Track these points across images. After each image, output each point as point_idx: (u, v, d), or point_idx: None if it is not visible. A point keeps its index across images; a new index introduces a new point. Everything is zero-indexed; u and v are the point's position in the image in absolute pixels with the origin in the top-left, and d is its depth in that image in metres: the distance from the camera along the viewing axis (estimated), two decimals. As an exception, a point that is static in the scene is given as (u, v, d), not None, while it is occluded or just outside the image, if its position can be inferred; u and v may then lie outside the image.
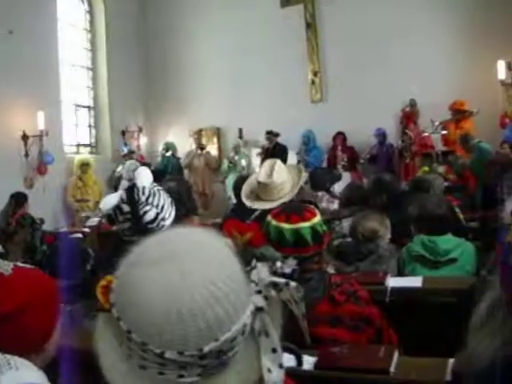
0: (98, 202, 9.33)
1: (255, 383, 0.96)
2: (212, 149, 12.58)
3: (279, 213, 2.54)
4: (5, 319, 1.39)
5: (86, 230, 7.54)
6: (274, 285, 1.00)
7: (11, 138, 9.47)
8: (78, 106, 11.98)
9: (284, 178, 3.87)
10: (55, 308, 1.56)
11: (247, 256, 1.00)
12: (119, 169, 10.54)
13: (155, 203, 2.55)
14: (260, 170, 4.04)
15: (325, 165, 10.75)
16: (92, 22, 12.46)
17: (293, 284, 1.01)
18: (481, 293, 0.95)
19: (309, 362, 2.06)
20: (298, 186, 3.92)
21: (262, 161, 10.41)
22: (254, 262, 1.01)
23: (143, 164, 10.39)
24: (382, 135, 10.71)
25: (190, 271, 0.90)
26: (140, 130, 12.65)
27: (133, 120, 12.47)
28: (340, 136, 10.94)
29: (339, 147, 10.82)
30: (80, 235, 6.58)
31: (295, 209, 2.54)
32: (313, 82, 11.94)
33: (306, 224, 2.42)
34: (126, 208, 2.53)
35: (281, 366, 0.97)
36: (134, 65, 12.95)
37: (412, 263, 3.64)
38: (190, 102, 12.81)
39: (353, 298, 2.40)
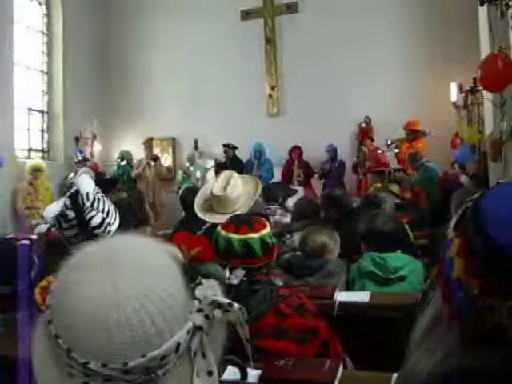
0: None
1: None
2: (167, 159, 12.52)
3: (228, 223, 2.53)
4: None
5: (34, 237, 7.35)
6: (218, 305, 0.96)
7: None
8: (32, 110, 11.74)
9: (239, 191, 3.86)
10: None
11: (192, 272, 0.97)
12: (71, 175, 10.35)
13: (100, 208, 2.52)
14: (215, 181, 4.01)
15: (279, 178, 10.78)
16: (49, 26, 12.27)
17: (236, 306, 0.97)
18: (421, 308, 0.96)
19: (253, 375, 2.04)
20: (253, 199, 3.92)
21: (216, 173, 10.44)
22: (199, 278, 0.97)
23: (97, 173, 10.27)
24: (333, 151, 10.86)
25: (124, 281, 0.87)
26: (94, 137, 12.47)
27: (87, 127, 12.29)
28: (296, 150, 11.01)
29: (295, 162, 10.88)
30: (27, 242, 6.41)
31: (244, 220, 2.55)
32: (270, 96, 12.03)
33: (255, 235, 2.43)
34: (71, 214, 2.47)
35: None
36: (90, 71, 12.79)
37: (362, 280, 3.65)
38: (146, 111, 12.74)
39: (300, 310, 2.39)
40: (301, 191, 9.62)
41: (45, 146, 12.12)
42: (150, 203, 10.84)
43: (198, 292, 0.95)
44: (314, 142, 10.84)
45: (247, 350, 1.04)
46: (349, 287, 3.66)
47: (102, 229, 2.48)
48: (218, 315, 0.95)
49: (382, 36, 11.15)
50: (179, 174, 11.56)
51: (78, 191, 2.54)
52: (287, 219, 5.92)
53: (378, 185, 8.42)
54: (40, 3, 12.16)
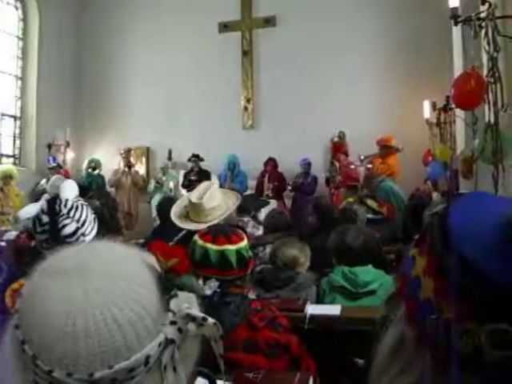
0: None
1: None
2: (140, 168, 12.46)
3: (206, 233, 2.51)
4: None
5: (3, 244, 7.23)
6: (193, 318, 0.92)
7: None
8: (4, 115, 11.60)
9: (216, 202, 3.85)
10: None
11: (168, 283, 0.95)
12: (43, 182, 10.22)
13: (76, 217, 2.47)
14: (195, 190, 4.02)
15: (252, 191, 10.79)
16: (25, 31, 12.18)
17: (211, 320, 0.94)
18: (382, 330, 0.92)
19: (223, 387, 2.03)
20: (229, 211, 3.92)
21: (183, 184, 10.46)
22: (174, 290, 0.94)
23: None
24: (307, 165, 10.93)
25: (94, 288, 0.84)
26: (67, 144, 12.35)
27: (60, 134, 12.17)
28: (271, 162, 11.04)
29: (267, 175, 10.90)
30: (-6, 249, 6.30)
31: (223, 231, 2.52)
32: (245, 109, 12.05)
33: (232, 247, 2.41)
34: (45, 219, 2.43)
35: None
36: (65, 78, 12.73)
37: (332, 293, 3.65)
38: (120, 120, 12.68)
39: (272, 324, 2.38)
40: (273, 204, 9.65)
41: (16, 151, 12.00)
42: (126, 212, 10.80)
43: (172, 304, 0.92)
44: (289, 156, 10.90)
45: (220, 365, 1.01)
46: (319, 301, 3.66)
47: (75, 238, 2.43)
48: (191, 329, 0.92)
49: (358, 54, 11.29)
50: (151, 184, 11.50)
51: (57, 196, 2.51)
52: (259, 232, 5.91)
53: (351, 199, 8.46)
54: (16, 7, 12.07)
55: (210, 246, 2.41)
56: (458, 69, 8.32)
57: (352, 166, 9.88)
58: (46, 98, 12.09)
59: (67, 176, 10.65)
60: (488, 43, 3.52)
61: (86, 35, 13.19)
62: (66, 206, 2.49)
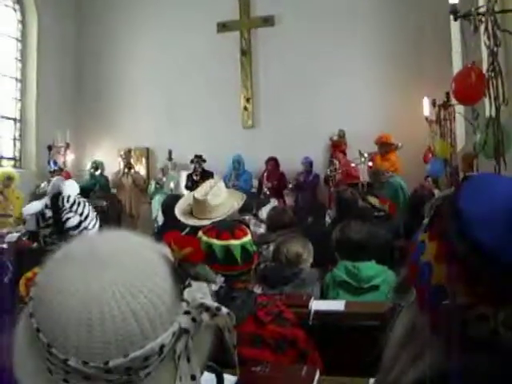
0: (19, 218, 8.99)
1: None
2: (140, 169, 12.45)
3: (210, 229, 2.51)
4: None
5: (4, 246, 7.23)
6: (206, 308, 0.93)
7: None
8: (3, 117, 11.61)
9: (220, 200, 3.86)
10: None
11: (182, 273, 0.95)
12: (43, 185, 10.21)
13: (79, 211, 2.55)
14: (199, 187, 4.04)
15: (254, 190, 10.80)
16: (24, 33, 12.18)
17: (224, 310, 0.94)
18: (394, 320, 0.90)
19: (230, 381, 2.03)
20: (233, 210, 3.93)
21: (186, 185, 10.44)
22: (189, 279, 0.95)
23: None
24: (308, 164, 10.94)
25: (110, 277, 0.84)
26: (67, 146, 12.35)
27: (60, 135, 12.17)
28: (272, 161, 11.04)
29: (266, 174, 10.90)
30: (-3, 249, 6.31)
31: (227, 226, 2.52)
32: (245, 108, 12.05)
33: (237, 242, 2.41)
34: (48, 213, 2.52)
35: None
36: (64, 79, 12.73)
37: (336, 289, 3.66)
38: (120, 121, 12.69)
39: (278, 318, 2.38)
40: (273, 202, 9.64)
41: (17, 154, 12.00)
42: (128, 213, 10.80)
43: (186, 294, 0.93)
44: (290, 154, 10.90)
45: (234, 356, 1.02)
46: (323, 296, 3.67)
47: (78, 231, 2.51)
48: (205, 319, 0.92)
49: (357, 51, 11.29)
50: (152, 185, 11.49)
51: (60, 193, 2.58)
52: (261, 229, 5.91)
53: (351, 198, 8.44)
54: (15, 10, 12.08)
55: (214, 241, 2.41)
56: (456, 65, 8.33)
57: (352, 164, 9.88)
58: (45, 100, 12.09)
59: (68, 178, 10.64)
60: (488, 38, 3.53)
61: (86, 36, 13.19)
62: (68, 201, 2.57)
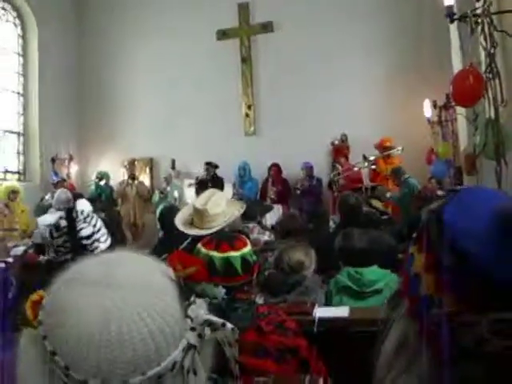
0: (25, 231, 9.02)
1: None
2: (144, 179, 12.46)
3: (209, 241, 2.50)
4: None
5: (10, 259, 7.24)
6: (210, 323, 0.96)
7: None
8: (7, 131, 11.65)
9: (220, 209, 3.87)
10: None
11: (186, 290, 0.97)
12: (47, 197, 10.23)
13: (92, 223, 2.69)
14: (199, 197, 4.06)
15: (258, 197, 10.81)
16: (25, 47, 12.24)
17: (229, 326, 0.98)
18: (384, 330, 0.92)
19: (233, 393, 2.03)
20: (233, 218, 3.93)
21: (197, 191, 10.39)
22: (193, 297, 0.98)
23: (75, 194, 10.16)
24: (309, 169, 10.93)
25: (126, 298, 0.86)
26: (71, 158, 12.41)
27: (64, 148, 12.23)
28: (275, 168, 11.05)
29: (270, 180, 10.91)
30: (2, 265, 6.32)
31: (225, 237, 2.52)
32: (247, 115, 12.06)
33: (236, 253, 2.40)
34: (63, 223, 2.65)
35: None
36: (66, 92, 12.77)
37: (339, 294, 3.66)
38: (122, 132, 12.72)
39: (280, 328, 2.38)
40: (276, 208, 9.66)
41: (21, 167, 12.03)
42: (131, 223, 10.79)
43: (190, 311, 0.95)
44: (292, 160, 10.91)
45: (234, 369, 1.06)
46: (327, 303, 3.66)
47: (90, 241, 2.63)
48: (207, 333, 0.95)
49: (357, 55, 11.30)
50: (156, 195, 11.50)
51: (74, 207, 2.73)
52: (265, 237, 5.92)
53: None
54: (15, 24, 12.14)
55: (214, 253, 2.40)
56: (456, 66, 8.32)
57: (355, 169, 9.87)
58: (48, 113, 12.14)
59: (72, 189, 10.68)
60: (485, 39, 3.53)
61: (86, 49, 13.25)
62: (82, 213, 2.71)
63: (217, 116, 11.95)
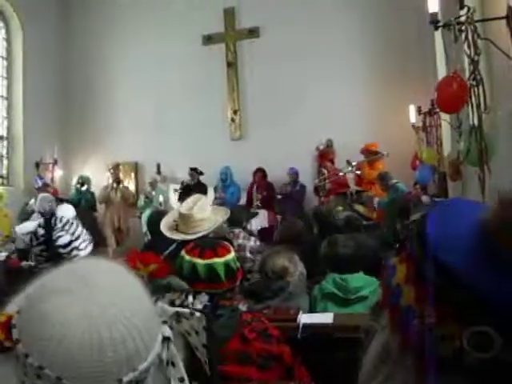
0: (7, 237, 8.92)
1: None
2: (129, 183, 12.42)
3: (193, 248, 2.51)
4: None
5: (-8, 265, 7.17)
6: (179, 315, 1.00)
7: None
8: (-10, 135, 11.57)
9: (205, 215, 3.89)
10: None
11: (152, 287, 0.99)
12: (31, 202, 10.14)
13: (71, 231, 2.63)
14: (184, 202, 4.08)
15: (243, 202, 10.80)
16: (9, 50, 12.15)
17: (197, 314, 1.03)
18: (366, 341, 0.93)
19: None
20: (218, 224, 3.94)
21: (180, 196, 10.38)
22: (162, 292, 1.02)
23: (58, 198, 10.09)
24: (294, 174, 10.96)
25: (107, 301, 0.87)
26: (55, 162, 12.31)
27: (48, 152, 12.14)
28: (259, 173, 11.06)
29: (255, 185, 10.91)
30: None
31: (209, 244, 2.52)
32: (232, 120, 12.07)
33: (220, 260, 2.41)
34: (41, 231, 2.62)
35: None
36: (51, 96, 12.70)
37: (323, 301, 3.66)
38: (107, 136, 12.67)
39: (263, 335, 2.37)
40: (262, 213, 9.68)
41: (4, 171, 11.93)
42: (116, 228, 10.73)
43: (158, 305, 1.00)
44: (278, 165, 10.92)
45: (202, 357, 1.09)
46: (311, 309, 3.66)
47: (68, 249, 2.59)
48: (174, 325, 1.01)
49: (342, 61, 11.34)
50: (141, 199, 11.45)
51: (53, 214, 2.72)
52: (251, 242, 5.91)
53: (340, 208, 8.47)
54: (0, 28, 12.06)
55: (197, 260, 2.41)
56: (441, 73, 8.38)
57: (340, 173, 9.90)
58: (32, 117, 12.05)
59: (56, 194, 10.60)
60: (468, 47, 3.56)
61: (71, 52, 13.19)
62: (61, 221, 2.66)
63: (203, 121, 11.93)
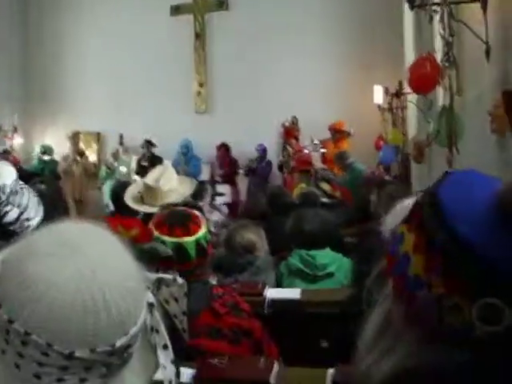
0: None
1: (151, 381, 0.94)
2: (91, 154, 12.23)
3: (162, 223, 2.42)
4: None
5: None
6: (161, 280, 0.99)
7: None
8: None
9: (172, 186, 3.84)
10: None
11: (136, 252, 0.96)
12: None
13: (17, 202, 2.35)
14: (149, 173, 4.00)
15: (207, 175, 10.77)
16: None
17: (179, 280, 1.01)
18: (365, 304, 0.92)
19: (187, 374, 2.01)
20: (185, 196, 3.89)
21: (137, 170, 10.33)
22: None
23: (19, 167, 9.84)
24: (262, 150, 10.98)
25: (98, 262, 0.84)
26: (15, 129, 12.00)
27: (7, 119, 11.82)
28: (223, 148, 11.03)
29: (219, 159, 10.89)
30: None
31: (180, 220, 2.41)
32: (198, 93, 11.96)
33: (191, 239, 2.32)
34: None
35: (172, 361, 0.95)
36: (11, 62, 12.35)
37: (290, 277, 3.67)
38: (69, 104, 12.43)
39: (234, 310, 2.35)
40: (226, 189, 9.71)
41: (-38, 137, 11.60)
42: (76, 200, 10.57)
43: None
44: (243, 140, 10.91)
45: (181, 324, 1.12)
46: (278, 285, 3.67)
47: (18, 224, 2.32)
48: (155, 292, 0.99)
49: (311, 38, 11.29)
50: (103, 170, 11.28)
51: None
52: (215, 217, 5.91)
53: (303, 185, 8.50)
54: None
55: (166, 238, 2.32)
56: (409, 54, 8.42)
57: (305, 151, 9.91)
58: (-9, 83, 11.73)
59: (16, 162, 10.36)
60: (443, 28, 3.57)
61: (35, 17, 12.81)
62: (4, 192, 2.35)
63: (168, 92, 11.76)
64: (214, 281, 2.93)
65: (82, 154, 11.39)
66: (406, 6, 7.23)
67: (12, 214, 2.33)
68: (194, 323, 2.17)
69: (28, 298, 0.79)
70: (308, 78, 11.17)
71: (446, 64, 3.65)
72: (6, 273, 0.83)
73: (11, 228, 2.31)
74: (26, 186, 2.51)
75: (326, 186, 7.79)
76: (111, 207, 5.56)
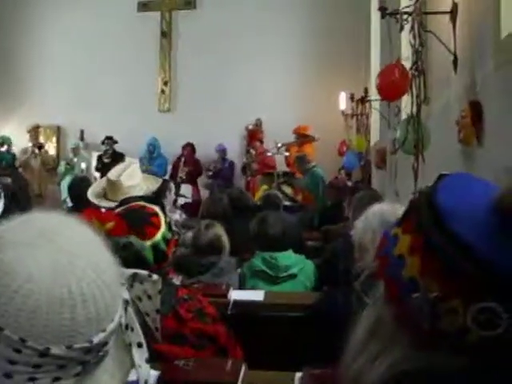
0: None
1: (125, 381, 0.91)
2: (50, 148, 12.02)
3: (118, 224, 2.26)
4: None
5: None
6: (135, 276, 0.97)
7: None
8: None
9: (135, 182, 3.78)
10: None
11: (111, 245, 0.92)
12: None
13: None
14: (113, 168, 3.93)
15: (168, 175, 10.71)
16: None
17: (155, 276, 1.00)
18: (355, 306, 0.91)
19: (152, 375, 1.96)
20: (148, 192, 3.84)
21: (98, 166, 10.20)
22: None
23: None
24: (222, 151, 10.99)
25: (75, 254, 0.80)
26: (-28, 120, 11.73)
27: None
28: (189, 147, 10.96)
29: (182, 159, 10.82)
30: None
31: (136, 222, 2.22)
32: (162, 91, 11.87)
33: (148, 243, 2.15)
34: None
35: (147, 360, 0.93)
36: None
37: (253, 278, 3.67)
38: (30, 96, 12.19)
39: (199, 315, 2.27)
40: (187, 188, 9.66)
41: None
42: (35, 194, 10.36)
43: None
44: (206, 141, 10.86)
45: (155, 322, 1.16)
46: (241, 286, 3.67)
47: None
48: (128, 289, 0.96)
49: (277, 41, 11.33)
50: (62, 166, 11.11)
51: None
52: (176, 216, 5.86)
53: (265, 187, 8.53)
54: None
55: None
56: (375, 62, 8.51)
57: (269, 154, 9.94)
58: None
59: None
60: (414, 37, 3.62)
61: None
62: None
63: (131, 89, 11.63)
64: (177, 281, 2.89)
65: (41, 147, 11.16)
66: (374, 13, 7.35)
67: None
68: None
69: (2, 289, 0.75)
70: (273, 81, 11.21)
71: (415, 73, 3.70)
72: None
73: None
74: None
75: (288, 190, 7.83)
76: (69, 203, 5.47)
